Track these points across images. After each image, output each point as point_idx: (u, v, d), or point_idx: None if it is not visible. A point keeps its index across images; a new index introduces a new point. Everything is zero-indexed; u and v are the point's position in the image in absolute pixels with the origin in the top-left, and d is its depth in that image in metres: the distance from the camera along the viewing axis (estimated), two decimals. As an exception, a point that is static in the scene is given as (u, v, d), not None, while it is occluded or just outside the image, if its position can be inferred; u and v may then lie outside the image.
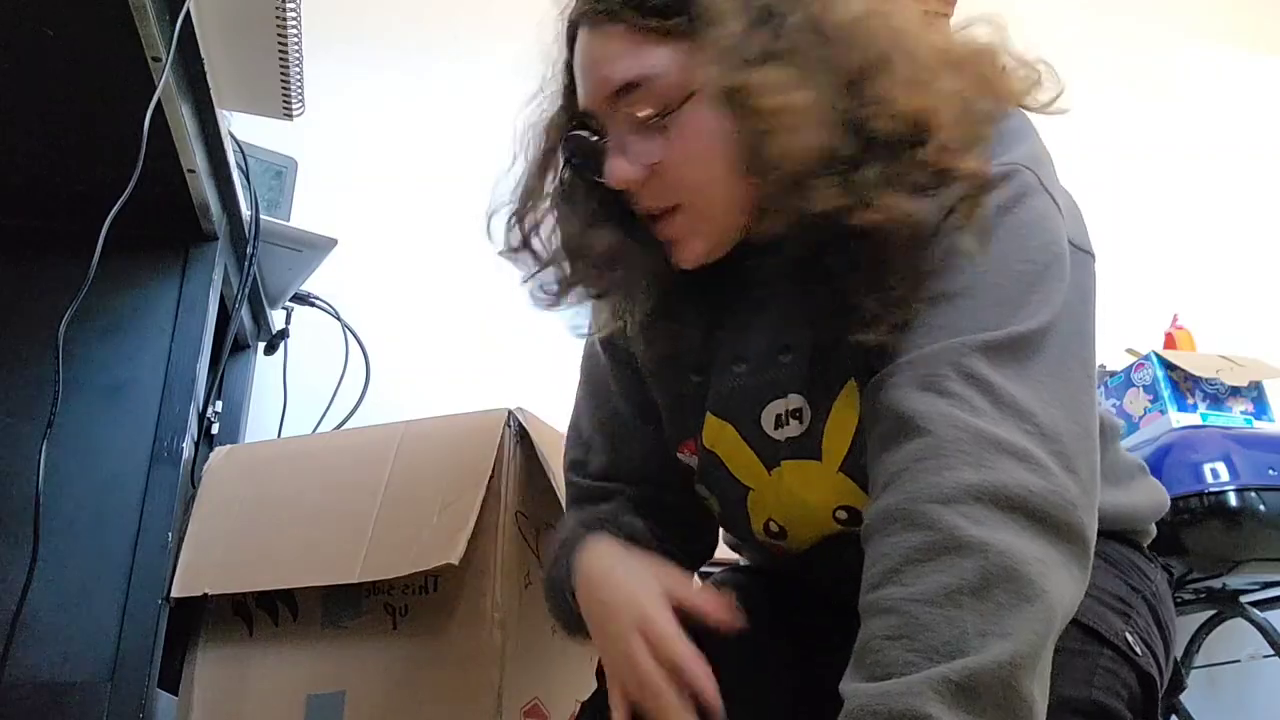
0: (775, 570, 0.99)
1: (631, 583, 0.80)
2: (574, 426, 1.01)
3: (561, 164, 0.85)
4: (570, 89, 0.84)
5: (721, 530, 1.03)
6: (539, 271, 0.86)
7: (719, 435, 0.87)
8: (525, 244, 0.87)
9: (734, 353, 0.86)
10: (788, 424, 0.83)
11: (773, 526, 0.89)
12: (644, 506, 0.94)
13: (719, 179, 0.76)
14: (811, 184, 0.71)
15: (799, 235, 0.75)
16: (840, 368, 0.80)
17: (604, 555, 0.84)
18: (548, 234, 0.86)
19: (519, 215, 0.86)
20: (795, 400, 0.83)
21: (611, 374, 0.97)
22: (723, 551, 1.05)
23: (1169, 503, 0.94)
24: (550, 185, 0.86)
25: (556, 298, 0.87)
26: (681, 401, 0.90)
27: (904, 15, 0.76)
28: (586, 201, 0.83)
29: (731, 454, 0.87)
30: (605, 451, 0.97)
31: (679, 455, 0.93)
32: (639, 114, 0.76)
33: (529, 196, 0.86)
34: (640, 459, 0.95)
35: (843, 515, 0.84)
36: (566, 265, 0.85)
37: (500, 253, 0.88)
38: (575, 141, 0.81)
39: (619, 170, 0.77)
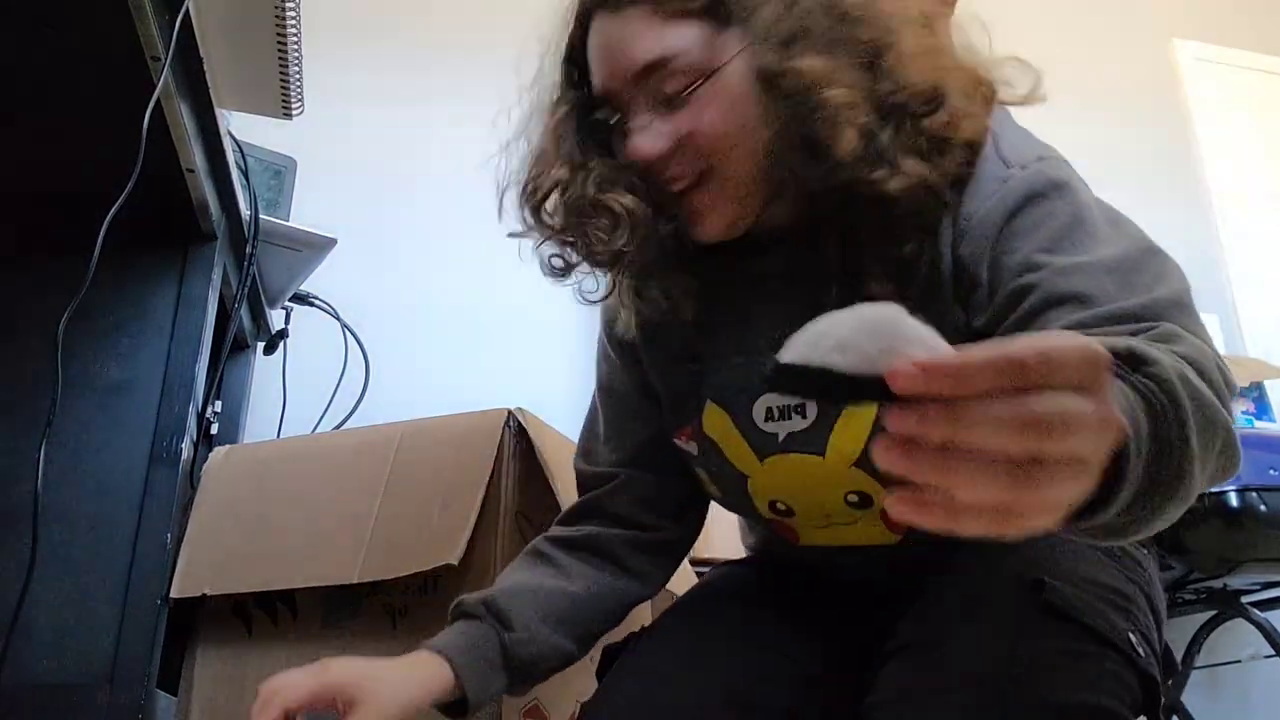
0: (785, 559, 1.00)
1: (375, 666, 0.83)
2: (587, 420, 1.08)
3: (573, 142, 0.86)
4: (574, 73, 0.86)
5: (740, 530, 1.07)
6: (549, 240, 0.88)
7: (716, 423, 0.91)
8: (537, 217, 0.88)
9: (734, 344, 0.90)
10: (789, 418, 0.86)
11: (779, 506, 0.92)
12: (641, 489, 1.00)
13: (751, 145, 0.79)
14: (851, 161, 0.75)
15: (812, 206, 0.81)
16: None
17: (415, 657, 0.87)
18: (556, 206, 0.87)
19: (531, 189, 0.88)
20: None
21: (619, 367, 1.02)
22: (721, 550, 1.06)
23: None
24: (562, 159, 0.86)
25: (567, 266, 0.89)
26: (679, 389, 0.95)
27: (905, 3, 0.80)
28: (601, 171, 0.84)
29: (727, 442, 0.90)
30: (610, 440, 1.03)
31: (677, 442, 0.96)
32: (667, 90, 0.79)
33: (540, 169, 0.87)
34: (641, 446, 1.01)
35: (854, 499, 0.87)
36: (577, 231, 0.86)
37: (511, 234, 0.90)
38: (594, 125, 0.84)
39: (645, 145, 0.80)
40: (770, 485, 0.90)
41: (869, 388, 0.43)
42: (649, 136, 0.80)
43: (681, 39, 0.78)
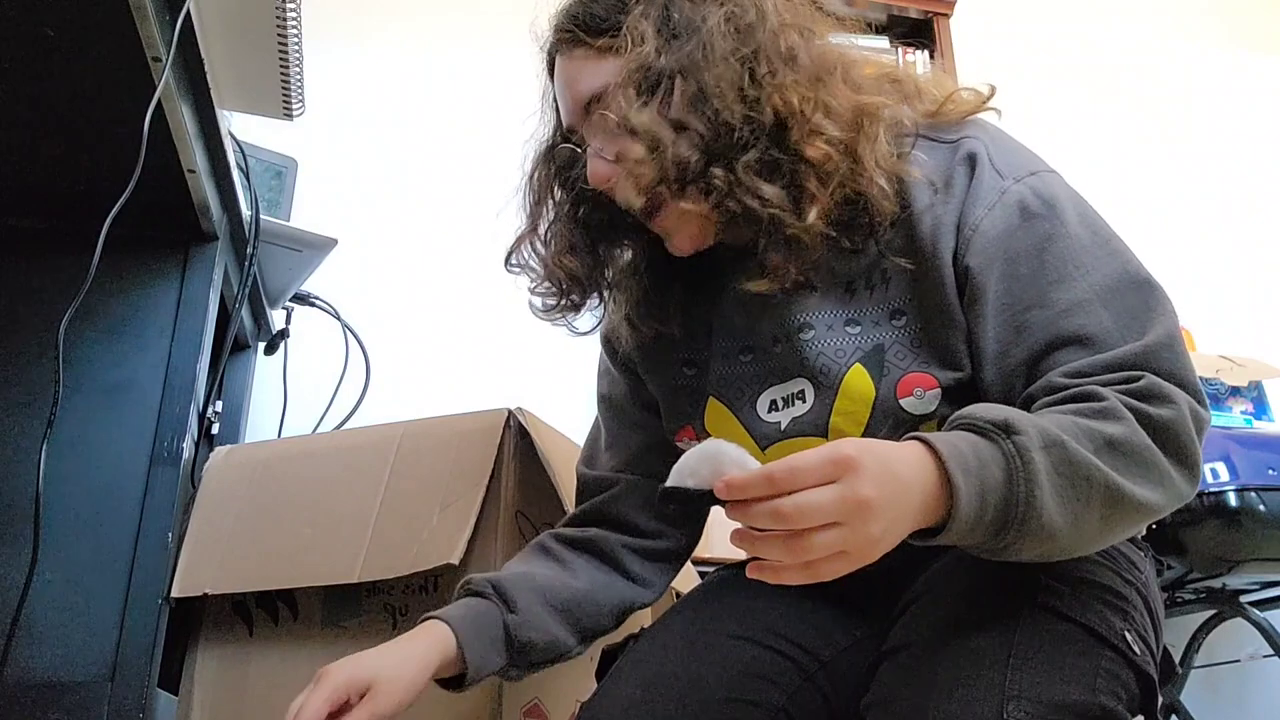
0: None
1: (371, 654, 0.86)
2: (590, 430, 1.11)
3: (555, 180, 0.94)
4: (558, 114, 0.94)
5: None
6: (546, 282, 0.95)
7: (719, 419, 0.95)
8: (534, 259, 0.96)
9: (738, 341, 0.94)
10: (792, 405, 0.90)
11: None
12: (641, 494, 1.02)
13: None
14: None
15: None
16: (842, 350, 0.87)
17: (418, 630, 0.90)
18: (553, 247, 0.95)
19: (527, 233, 0.96)
20: (799, 384, 0.90)
21: (619, 380, 1.06)
22: (722, 551, 1.06)
23: None
24: (552, 204, 0.95)
25: (560, 303, 0.95)
26: (678, 392, 0.99)
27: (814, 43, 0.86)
28: (585, 212, 0.93)
29: (729, 436, 0.93)
30: (610, 446, 1.06)
31: (678, 444, 0.99)
32: (611, 119, 0.84)
33: (535, 215, 0.96)
34: (641, 452, 1.04)
35: None
36: (568, 267, 0.94)
37: (509, 267, 0.97)
38: (562, 153, 0.92)
39: (593, 172, 0.87)
40: None
41: (710, 498, 0.64)
42: (598, 164, 0.86)
43: (611, 75, 0.85)
